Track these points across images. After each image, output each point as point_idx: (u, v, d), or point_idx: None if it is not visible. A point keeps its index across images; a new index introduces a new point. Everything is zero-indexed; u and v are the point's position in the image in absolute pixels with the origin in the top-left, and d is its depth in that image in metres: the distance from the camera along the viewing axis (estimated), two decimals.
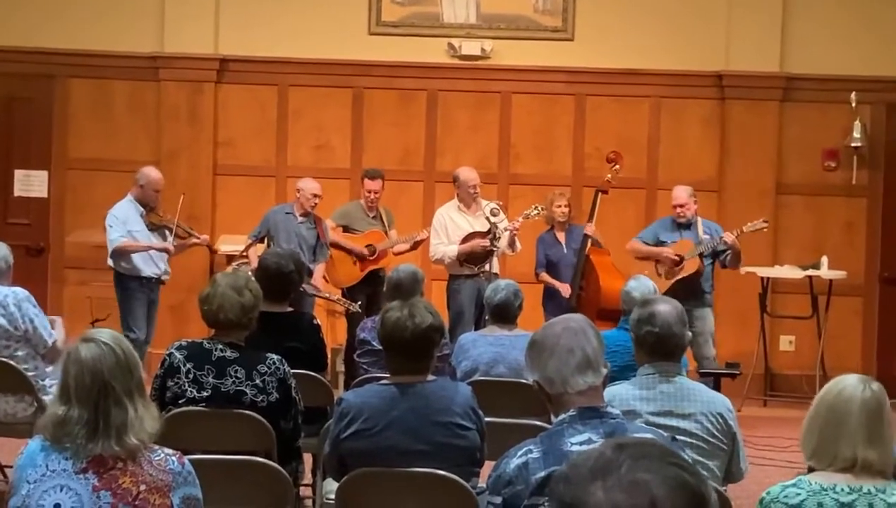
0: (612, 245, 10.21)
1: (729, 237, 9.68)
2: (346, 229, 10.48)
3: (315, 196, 10.16)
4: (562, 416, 3.53)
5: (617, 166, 10.40)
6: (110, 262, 9.68)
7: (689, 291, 9.56)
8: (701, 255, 9.75)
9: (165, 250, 9.69)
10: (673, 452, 1.90)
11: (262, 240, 10.19)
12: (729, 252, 9.76)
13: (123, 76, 11.65)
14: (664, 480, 1.81)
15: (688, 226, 9.90)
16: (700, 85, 11.59)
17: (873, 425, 3.72)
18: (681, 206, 9.86)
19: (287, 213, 10.24)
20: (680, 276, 9.74)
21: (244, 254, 10.16)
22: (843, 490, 3.68)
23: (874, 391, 3.77)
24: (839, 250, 11.30)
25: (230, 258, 10.62)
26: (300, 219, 10.19)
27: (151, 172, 9.86)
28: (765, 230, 10.01)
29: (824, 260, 10.89)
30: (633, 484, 1.81)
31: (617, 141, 11.20)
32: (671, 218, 10.03)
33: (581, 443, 3.44)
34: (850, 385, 3.78)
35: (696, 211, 9.96)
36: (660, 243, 9.94)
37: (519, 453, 3.50)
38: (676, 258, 9.76)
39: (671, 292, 9.15)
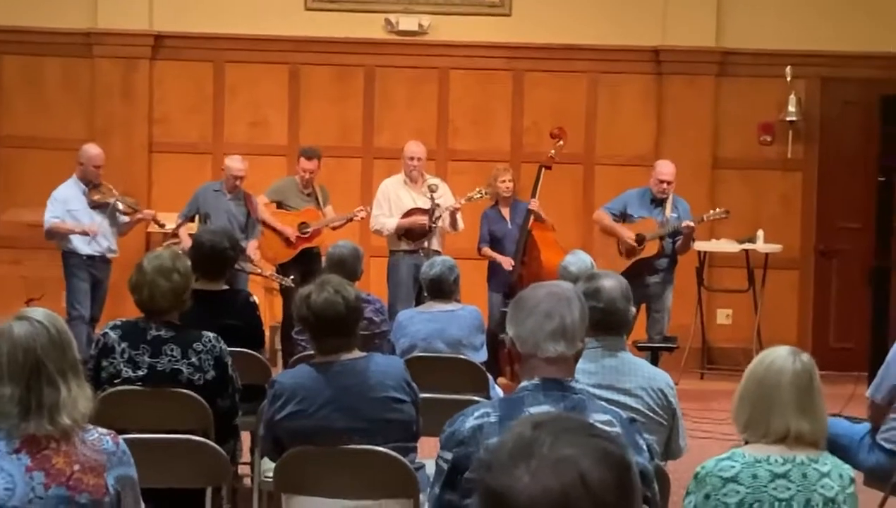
0: (552, 220, 10.21)
1: (690, 225, 9.72)
2: (280, 205, 10.42)
3: (236, 177, 10.08)
4: (524, 383, 3.48)
5: (561, 142, 10.40)
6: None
7: (651, 269, 9.69)
8: (661, 238, 9.78)
9: (85, 233, 9.55)
10: (590, 424, 1.88)
11: (192, 219, 10.12)
12: (681, 237, 9.81)
13: (56, 52, 11.51)
14: (588, 453, 1.77)
15: (661, 202, 9.91)
16: (637, 60, 11.61)
17: (804, 396, 3.75)
18: (668, 183, 9.84)
19: (216, 191, 10.17)
20: (639, 257, 9.79)
21: (174, 232, 10.07)
22: (776, 461, 3.71)
23: (804, 362, 3.80)
24: (775, 224, 11.37)
25: (165, 237, 10.54)
26: (229, 196, 10.12)
27: (91, 149, 9.82)
28: (724, 218, 10.19)
29: (760, 233, 10.98)
30: (558, 462, 1.76)
31: (555, 116, 11.20)
32: (647, 190, 9.97)
33: None
34: (780, 357, 3.81)
35: None
36: (625, 216, 9.95)
37: (476, 413, 3.46)
38: (634, 244, 9.78)
39: (632, 269, 9.24)
